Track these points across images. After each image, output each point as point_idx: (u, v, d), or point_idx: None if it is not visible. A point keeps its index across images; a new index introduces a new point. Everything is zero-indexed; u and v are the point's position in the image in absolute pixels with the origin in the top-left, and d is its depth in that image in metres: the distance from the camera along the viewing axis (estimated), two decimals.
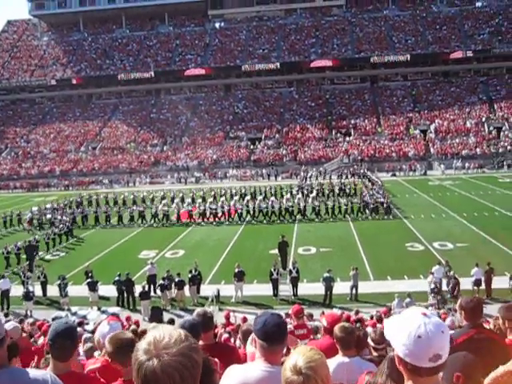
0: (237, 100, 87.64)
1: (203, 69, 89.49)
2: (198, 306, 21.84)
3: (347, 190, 46.28)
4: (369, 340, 6.34)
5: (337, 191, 42.90)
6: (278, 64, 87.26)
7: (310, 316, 14.88)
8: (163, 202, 44.38)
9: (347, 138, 72.07)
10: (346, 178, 57.00)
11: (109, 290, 24.05)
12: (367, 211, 38.59)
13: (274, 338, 3.35)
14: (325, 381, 2.36)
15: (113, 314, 17.91)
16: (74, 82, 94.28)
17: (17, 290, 24.78)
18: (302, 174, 60.48)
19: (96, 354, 5.17)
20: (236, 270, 23.11)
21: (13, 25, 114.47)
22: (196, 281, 23.57)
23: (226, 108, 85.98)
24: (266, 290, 23.36)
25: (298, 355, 2.40)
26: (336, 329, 5.08)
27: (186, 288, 23.16)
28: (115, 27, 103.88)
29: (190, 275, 23.38)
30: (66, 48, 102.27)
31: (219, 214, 40.00)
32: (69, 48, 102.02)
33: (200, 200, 44.20)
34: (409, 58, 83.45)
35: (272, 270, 23.14)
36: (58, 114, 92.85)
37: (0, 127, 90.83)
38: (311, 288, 23.18)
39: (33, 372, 2.88)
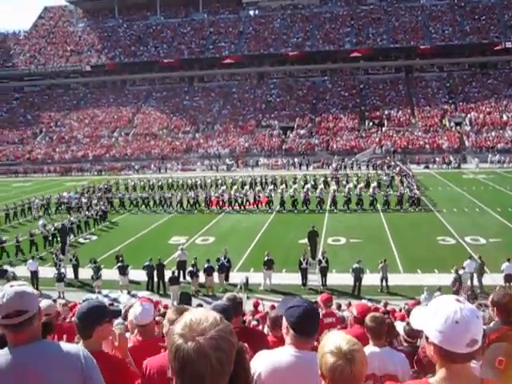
0: (270, 88, 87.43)
1: (237, 56, 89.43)
2: (224, 293, 22.03)
3: (383, 182, 45.75)
4: (401, 332, 6.34)
5: (375, 184, 42.34)
6: (312, 53, 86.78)
7: (338, 306, 14.88)
8: (194, 189, 44.69)
9: (380, 129, 71.42)
10: (374, 169, 56.52)
11: (139, 275, 24.38)
12: (405, 203, 38.08)
13: (308, 331, 3.41)
14: (365, 366, 2.38)
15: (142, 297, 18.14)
16: (108, 68, 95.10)
17: (47, 272, 25.27)
18: (333, 163, 60.20)
19: (127, 334, 5.27)
20: (265, 258, 23.21)
21: (49, 11, 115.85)
22: (224, 268, 23.73)
23: (258, 96, 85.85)
24: (294, 279, 23.42)
25: (338, 339, 2.40)
26: (367, 319, 5.11)
27: (215, 275, 23.36)
28: (150, 14, 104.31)
29: (218, 263, 23.55)
30: (100, 34, 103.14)
31: (250, 202, 40.11)
32: (103, 34, 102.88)
33: (231, 187, 44.37)
34: (445, 49, 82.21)
35: (301, 259, 23.16)
36: (92, 100, 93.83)
37: (35, 112, 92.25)
38: (340, 278, 23.15)
39: (65, 345, 2.99)
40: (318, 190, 40.56)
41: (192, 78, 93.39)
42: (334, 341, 2.39)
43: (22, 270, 25.60)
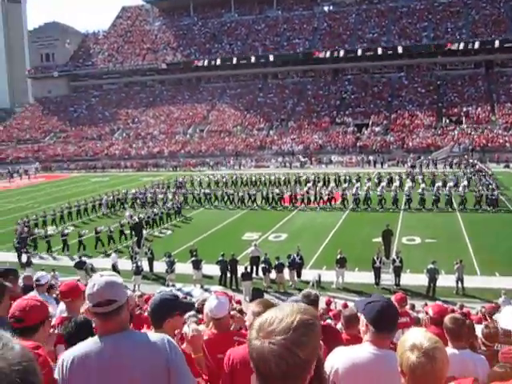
0: (344, 85, 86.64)
1: (310, 53, 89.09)
2: (296, 290, 22.15)
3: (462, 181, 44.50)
4: (479, 335, 6.17)
5: (439, 183, 41.22)
6: (388, 48, 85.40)
7: (412, 307, 14.62)
8: (268, 185, 44.85)
9: (458, 126, 69.50)
10: (451, 167, 55.10)
11: (212, 269, 24.67)
12: (484, 203, 36.94)
13: (387, 326, 3.38)
14: (447, 365, 2.33)
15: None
16: (184, 65, 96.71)
17: (123, 264, 25.95)
18: (409, 161, 59.11)
19: (201, 327, 5.35)
20: (338, 256, 23.05)
21: (127, 11, 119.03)
22: (295, 265, 23.75)
23: (333, 93, 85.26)
24: (367, 277, 23.14)
25: (419, 336, 2.35)
26: (447, 320, 4.99)
27: (286, 272, 23.42)
28: (224, 11, 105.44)
29: (289, 259, 23.59)
30: (176, 32, 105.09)
31: (324, 199, 39.92)
32: (179, 32, 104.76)
33: (305, 185, 44.29)
34: None
35: (375, 258, 22.86)
36: (167, 97, 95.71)
37: (113, 109, 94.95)
38: (414, 279, 22.68)
39: (152, 335, 3.07)
40: (391, 189, 39.93)
41: (266, 74, 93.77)
42: (414, 338, 2.35)
43: (99, 262, 26.46)
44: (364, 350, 3.34)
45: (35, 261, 27.66)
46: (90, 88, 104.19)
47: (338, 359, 3.35)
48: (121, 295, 2.91)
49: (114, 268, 24.45)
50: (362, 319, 3.45)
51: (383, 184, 41.89)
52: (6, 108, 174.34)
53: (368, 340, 3.39)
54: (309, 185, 43.80)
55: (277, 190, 42.22)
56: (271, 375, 1.70)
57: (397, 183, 42.46)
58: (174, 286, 23.38)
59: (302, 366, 1.72)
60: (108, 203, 41.55)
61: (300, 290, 21.83)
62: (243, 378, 3.74)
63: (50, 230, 33.39)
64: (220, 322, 4.91)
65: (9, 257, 28.71)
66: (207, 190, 44.35)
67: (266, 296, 20.36)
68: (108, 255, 28.43)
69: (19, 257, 28.71)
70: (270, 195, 41.22)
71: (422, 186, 40.08)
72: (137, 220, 32.62)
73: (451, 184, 40.23)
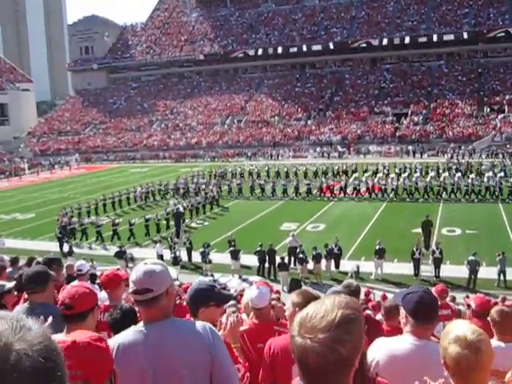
0: (383, 74, 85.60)
1: (348, 42, 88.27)
2: (332, 281, 22.18)
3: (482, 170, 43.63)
4: None
5: (473, 174, 40.40)
6: (428, 36, 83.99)
7: (453, 299, 14.46)
8: (306, 176, 44.75)
9: (500, 115, 68.05)
10: (493, 157, 54.03)
11: (250, 260, 24.81)
12: None
13: (427, 316, 3.37)
14: (492, 358, 2.30)
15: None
16: (221, 56, 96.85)
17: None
18: (449, 151, 58.22)
19: (243, 316, 5.42)
20: (377, 247, 22.95)
21: (164, 3, 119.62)
22: (333, 255, 23.71)
23: (371, 82, 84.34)
24: (406, 269, 22.99)
25: (464, 328, 2.33)
26: (493, 312, 4.93)
27: (323, 262, 23.43)
28: (261, 1, 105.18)
29: (326, 248, 23.55)
30: (213, 23, 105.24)
31: (362, 190, 39.67)
32: (216, 23, 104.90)
33: (343, 175, 44.09)
34: None
35: (414, 249, 22.67)
36: (205, 88, 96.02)
37: (152, 100, 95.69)
38: (454, 270, 22.40)
39: (193, 322, 3.14)
40: (427, 179, 39.37)
41: (304, 64, 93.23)
42: (458, 330, 2.33)
43: (137, 252, 26.87)
44: (404, 341, 3.33)
45: (76, 250, 28.22)
46: (128, 80, 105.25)
47: (378, 350, 3.35)
48: (158, 285, 2.91)
49: (159, 258, 24.77)
50: (402, 311, 3.45)
51: (431, 174, 41.28)
52: (48, 101, 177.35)
53: (408, 331, 3.38)
54: (354, 175, 43.48)
55: (315, 181, 42.10)
56: (313, 370, 1.70)
57: (433, 173, 41.83)
58: (212, 275, 23.55)
59: (344, 363, 1.71)
60: (141, 195, 41.91)
61: (336, 280, 21.86)
62: (284, 367, 3.79)
63: (89, 220, 33.91)
64: (261, 312, 4.95)
65: (51, 246, 29.29)
66: (245, 181, 44.47)
67: (303, 287, 20.41)
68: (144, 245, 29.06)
69: (61, 246, 29.32)
70: (308, 185, 41.13)
71: (472, 176, 39.51)
72: (181, 209, 33.08)
73: (501, 174, 39.56)
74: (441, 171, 43.85)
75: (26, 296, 4.80)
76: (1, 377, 0.87)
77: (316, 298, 4.23)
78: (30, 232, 34.55)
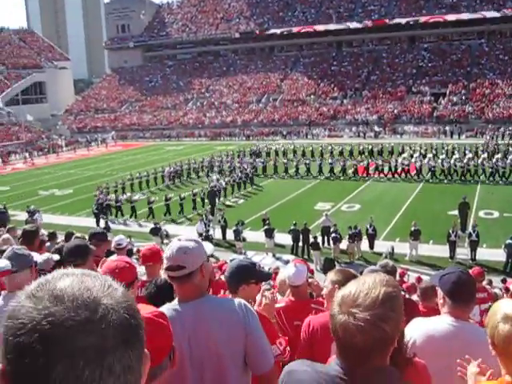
0: (421, 53, 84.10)
1: (386, 20, 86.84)
2: (364, 261, 22.17)
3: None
4: None
5: (499, 155, 39.66)
6: (467, 14, 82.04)
7: (489, 282, 14.29)
8: (341, 155, 44.47)
9: None
10: None
11: (284, 238, 24.85)
12: None
13: (464, 297, 3.32)
14: None
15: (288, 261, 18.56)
16: (257, 34, 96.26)
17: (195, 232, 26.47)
18: (488, 132, 57.15)
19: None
20: (412, 229, 22.75)
21: None
22: (360, 236, 23.67)
23: (409, 61, 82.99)
24: (442, 251, 22.75)
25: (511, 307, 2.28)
26: None
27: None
28: None
29: (349, 231, 23.40)
30: (249, 1, 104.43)
31: (399, 170, 39.26)
32: (252, 1, 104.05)
33: (379, 155, 43.70)
34: None
35: (450, 231, 22.39)
36: (240, 66, 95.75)
37: (187, 78, 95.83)
38: (491, 254, 22.08)
39: (228, 300, 3.17)
40: (464, 160, 38.65)
41: (340, 42, 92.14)
42: (506, 308, 2.27)
43: (172, 229, 27.13)
44: (442, 322, 3.29)
45: (112, 227, 28.60)
46: (164, 58, 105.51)
47: (415, 331, 3.31)
48: (191, 262, 2.91)
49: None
50: (440, 292, 3.41)
51: (469, 156, 40.62)
52: (84, 79, 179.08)
53: (446, 312, 3.34)
54: (394, 156, 43.06)
55: (350, 160, 41.82)
56: (355, 348, 1.70)
57: (470, 155, 41.15)
58: (244, 254, 23.65)
59: (387, 341, 1.72)
60: (169, 175, 41.99)
61: (368, 261, 21.78)
62: (323, 344, 3.77)
63: (124, 197, 34.23)
64: (298, 290, 4.97)
65: (88, 222, 29.76)
66: (280, 160, 44.42)
67: (337, 266, 20.39)
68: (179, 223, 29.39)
69: (97, 222, 29.74)
70: (343, 165, 40.87)
71: (497, 156, 38.85)
72: (223, 184, 33.33)
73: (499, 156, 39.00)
74: (480, 153, 43.08)
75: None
76: (90, 326, 0.95)
77: (355, 276, 4.23)
78: (67, 208, 35.15)
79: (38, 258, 4.91)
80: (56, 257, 5.41)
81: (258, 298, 4.12)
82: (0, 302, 3.48)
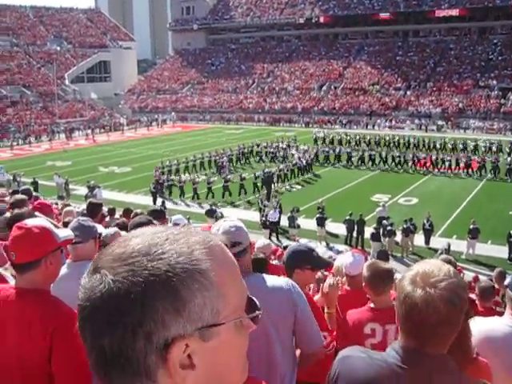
0: (491, 45, 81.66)
1: (457, 9, 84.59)
2: (416, 256, 21.89)
3: None
4: None
5: None
6: None
7: None
8: (401, 147, 43.83)
9: None
10: None
11: (338, 228, 24.75)
12: None
13: None
14: None
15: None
16: (322, 20, 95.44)
17: (252, 216, 26.56)
18: None
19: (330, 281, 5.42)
20: (471, 227, 22.22)
21: None
22: (411, 230, 23.24)
23: (478, 53, 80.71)
24: (501, 251, 22.13)
25: None
26: None
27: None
28: None
29: (404, 225, 23.01)
30: None
31: (460, 166, 38.38)
32: None
33: (440, 149, 42.90)
34: None
35: (511, 231, 21.77)
36: (303, 53, 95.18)
37: (249, 63, 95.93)
38: None
39: (277, 279, 3.18)
40: None
41: (407, 32, 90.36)
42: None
43: (227, 211, 27.33)
44: (503, 323, 3.15)
45: (169, 206, 28.92)
46: (227, 41, 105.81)
47: (474, 330, 3.21)
48: (245, 237, 3.04)
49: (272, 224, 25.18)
50: (508, 293, 3.28)
51: None
52: (148, 59, 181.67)
53: (510, 313, 3.20)
54: (456, 151, 42.19)
55: (411, 153, 41.17)
56: (429, 324, 1.73)
57: None
58: (297, 241, 23.59)
59: (460, 314, 1.77)
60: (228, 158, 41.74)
61: (422, 257, 21.40)
62: (356, 341, 3.74)
63: (184, 178, 34.59)
64: (354, 280, 4.95)
65: (145, 200, 30.29)
66: (339, 148, 44.11)
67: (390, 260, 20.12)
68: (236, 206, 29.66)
69: (154, 201, 30.22)
70: (404, 157, 40.30)
71: None
72: (286, 169, 33.56)
73: None
74: None
75: None
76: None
77: (388, 270, 4.19)
78: (125, 185, 35.91)
79: (102, 230, 5.01)
80: (123, 232, 5.49)
81: (326, 285, 4.13)
82: (65, 270, 3.59)
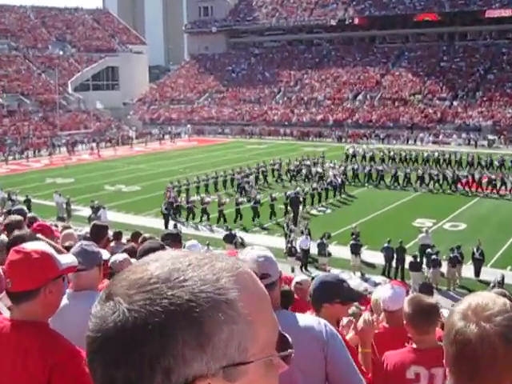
0: None
1: (510, 9, 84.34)
2: (464, 289, 21.73)
3: None
4: None
5: None
6: None
7: None
8: (448, 165, 43.60)
9: None
10: None
11: (374, 256, 24.59)
12: None
13: None
14: None
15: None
16: (356, 22, 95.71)
17: (276, 242, 26.51)
18: None
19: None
20: None
21: None
22: (458, 260, 22.99)
23: None
24: None
25: None
26: None
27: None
28: None
29: (451, 254, 22.79)
30: None
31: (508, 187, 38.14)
32: None
33: (492, 168, 42.63)
34: None
35: None
36: (335, 58, 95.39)
37: (275, 69, 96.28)
38: None
39: (306, 317, 3.21)
40: None
41: (452, 34, 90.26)
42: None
43: (250, 237, 27.29)
44: None
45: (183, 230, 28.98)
46: (250, 45, 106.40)
47: None
48: (274, 269, 3.03)
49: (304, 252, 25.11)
50: None
51: None
52: (161, 66, 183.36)
53: None
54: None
55: (459, 172, 40.94)
56: (488, 361, 1.68)
57: None
58: (328, 271, 23.48)
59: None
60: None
61: (471, 290, 21.15)
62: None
63: (196, 198, 34.66)
64: (393, 316, 4.90)
65: (155, 223, 30.38)
66: (377, 167, 43.98)
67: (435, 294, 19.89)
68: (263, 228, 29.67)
69: (166, 224, 30.23)
70: (450, 177, 40.05)
71: None
72: (320, 188, 33.56)
73: None
74: None
75: None
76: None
77: (433, 305, 4.14)
78: (134, 206, 36.08)
79: (108, 256, 5.01)
80: (132, 259, 5.52)
81: (360, 321, 4.10)
82: (65, 300, 3.57)
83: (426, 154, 48.58)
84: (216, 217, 31.66)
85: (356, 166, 44.49)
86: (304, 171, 43.59)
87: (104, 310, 0.92)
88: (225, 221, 30.91)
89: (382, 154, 50.01)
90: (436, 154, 48.43)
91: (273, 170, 44.70)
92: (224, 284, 0.92)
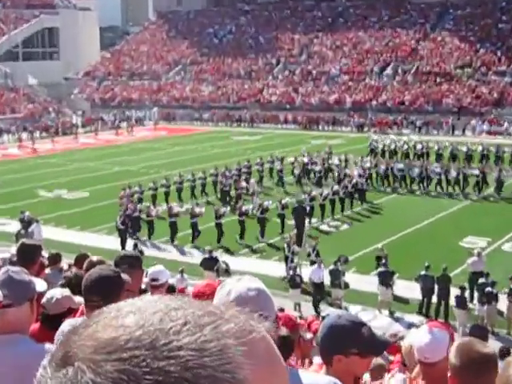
0: None
1: None
2: None
3: None
4: None
5: None
6: None
7: None
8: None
9: None
10: None
11: (408, 288, 24.58)
12: None
13: None
14: None
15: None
16: None
17: (271, 268, 26.64)
18: None
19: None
20: None
21: None
22: None
23: None
24: None
25: None
26: None
27: None
28: None
29: (511, 285, 22.82)
30: None
31: None
32: None
33: None
34: None
35: None
36: (354, 17, 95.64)
37: (272, 33, 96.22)
38: None
39: (312, 376, 3.27)
40: None
41: None
42: None
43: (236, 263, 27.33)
44: None
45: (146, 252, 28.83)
46: (239, 1, 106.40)
47: None
48: (270, 307, 3.02)
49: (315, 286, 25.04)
50: None
51: None
52: (117, 27, 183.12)
53: None
54: None
55: None
56: None
57: None
58: (345, 308, 23.36)
59: None
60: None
61: None
62: None
63: (161, 208, 34.65)
64: (433, 369, 4.84)
65: (108, 242, 30.28)
66: (408, 165, 44.03)
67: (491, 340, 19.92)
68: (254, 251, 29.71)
69: (123, 243, 30.09)
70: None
71: None
72: (343, 192, 33.75)
73: None
74: None
75: (83, 309, 4.88)
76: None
77: (489, 355, 4.10)
78: (79, 218, 36.03)
79: (44, 287, 4.95)
80: (79, 298, 5.44)
81: (366, 378, 4.07)
82: None
83: (480, 149, 48.56)
84: (190, 234, 31.64)
85: (383, 167, 44.33)
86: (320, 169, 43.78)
87: (58, 380, 0.83)
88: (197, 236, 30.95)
89: (422, 147, 50.04)
90: (492, 148, 48.51)
91: (271, 170, 44.87)
92: (232, 357, 0.85)
